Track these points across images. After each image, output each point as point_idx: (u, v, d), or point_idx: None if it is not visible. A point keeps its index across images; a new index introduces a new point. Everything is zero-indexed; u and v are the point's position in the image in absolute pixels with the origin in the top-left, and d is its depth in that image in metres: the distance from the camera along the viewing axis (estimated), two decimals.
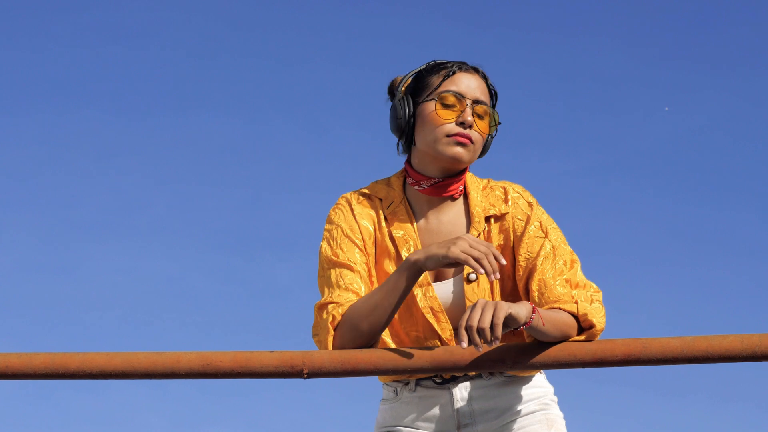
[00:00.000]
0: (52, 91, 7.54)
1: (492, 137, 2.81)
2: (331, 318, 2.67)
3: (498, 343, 2.49)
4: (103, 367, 2.66)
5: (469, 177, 2.84)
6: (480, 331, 2.46)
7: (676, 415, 6.69)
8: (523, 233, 2.75)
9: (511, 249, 2.77)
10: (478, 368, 2.64)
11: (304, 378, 2.63)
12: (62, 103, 7.53)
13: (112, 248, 7.37)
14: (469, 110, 2.74)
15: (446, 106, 2.74)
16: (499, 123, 2.80)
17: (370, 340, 2.66)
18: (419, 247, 2.77)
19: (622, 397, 6.51)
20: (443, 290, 2.77)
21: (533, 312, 2.53)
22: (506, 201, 2.80)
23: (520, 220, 2.77)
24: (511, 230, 2.77)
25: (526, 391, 2.82)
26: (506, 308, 2.47)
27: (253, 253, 7.40)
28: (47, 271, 7.31)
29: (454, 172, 2.80)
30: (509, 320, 2.49)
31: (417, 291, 2.76)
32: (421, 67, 2.83)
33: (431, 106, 2.75)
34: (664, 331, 2.62)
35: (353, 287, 2.72)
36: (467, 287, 2.75)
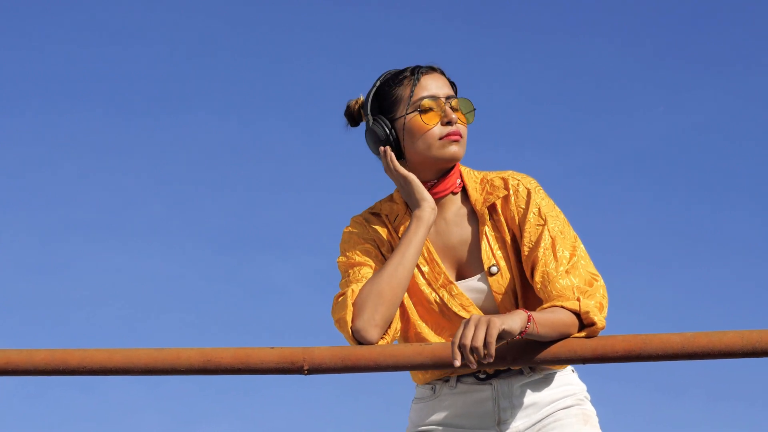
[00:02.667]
0: (46, 90, 7.53)
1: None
2: (350, 292, 2.71)
3: (491, 360, 2.46)
4: (103, 363, 2.65)
5: (465, 171, 2.87)
6: (473, 350, 2.45)
7: (676, 411, 6.69)
8: (523, 221, 2.77)
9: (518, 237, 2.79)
10: (479, 365, 2.63)
11: (305, 374, 2.63)
12: (57, 102, 7.53)
13: (110, 247, 7.37)
14: (447, 107, 2.79)
15: (426, 112, 2.78)
16: (475, 108, 2.82)
17: (391, 309, 2.69)
18: (432, 250, 2.81)
19: (622, 394, 6.51)
20: (470, 287, 2.79)
21: (528, 321, 2.53)
22: (507, 188, 2.82)
23: (521, 207, 2.79)
24: (516, 218, 2.79)
25: (563, 387, 2.84)
26: (499, 324, 2.46)
27: (250, 252, 7.40)
28: (44, 269, 7.31)
29: (447, 169, 2.83)
30: (503, 334, 2.48)
31: (443, 293, 2.78)
32: (377, 84, 2.86)
33: (412, 117, 2.78)
34: (664, 328, 2.62)
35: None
36: (491, 280, 2.77)
